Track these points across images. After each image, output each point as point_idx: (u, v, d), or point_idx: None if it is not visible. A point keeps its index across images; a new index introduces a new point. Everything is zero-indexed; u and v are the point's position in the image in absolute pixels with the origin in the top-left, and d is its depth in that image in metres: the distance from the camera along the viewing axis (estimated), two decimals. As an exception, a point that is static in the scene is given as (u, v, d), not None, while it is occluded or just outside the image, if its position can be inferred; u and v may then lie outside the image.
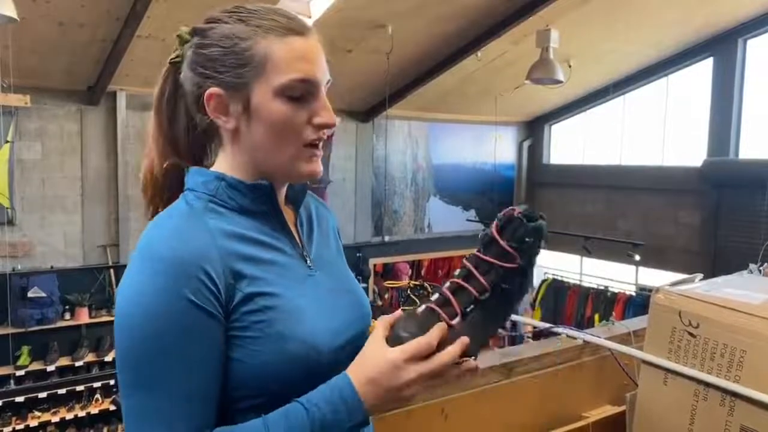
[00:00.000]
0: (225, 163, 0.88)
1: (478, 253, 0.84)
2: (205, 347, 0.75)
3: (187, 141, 0.90)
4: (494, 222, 0.84)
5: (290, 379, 0.79)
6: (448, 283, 0.84)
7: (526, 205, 0.85)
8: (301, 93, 0.82)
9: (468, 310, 0.82)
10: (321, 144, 0.86)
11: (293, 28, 0.83)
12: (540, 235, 0.83)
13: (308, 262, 0.90)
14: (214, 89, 0.83)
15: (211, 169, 0.88)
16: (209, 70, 0.83)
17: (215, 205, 0.84)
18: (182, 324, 0.74)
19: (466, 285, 0.82)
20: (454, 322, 0.81)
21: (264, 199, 0.87)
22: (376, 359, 0.78)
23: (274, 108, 0.82)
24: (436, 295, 0.83)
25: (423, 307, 0.83)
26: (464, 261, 0.85)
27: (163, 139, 0.90)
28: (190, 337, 0.74)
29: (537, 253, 0.84)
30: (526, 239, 0.82)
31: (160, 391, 0.73)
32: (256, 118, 0.83)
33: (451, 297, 0.82)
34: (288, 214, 0.92)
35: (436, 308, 0.82)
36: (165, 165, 0.90)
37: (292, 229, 0.92)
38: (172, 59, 0.89)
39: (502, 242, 0.82)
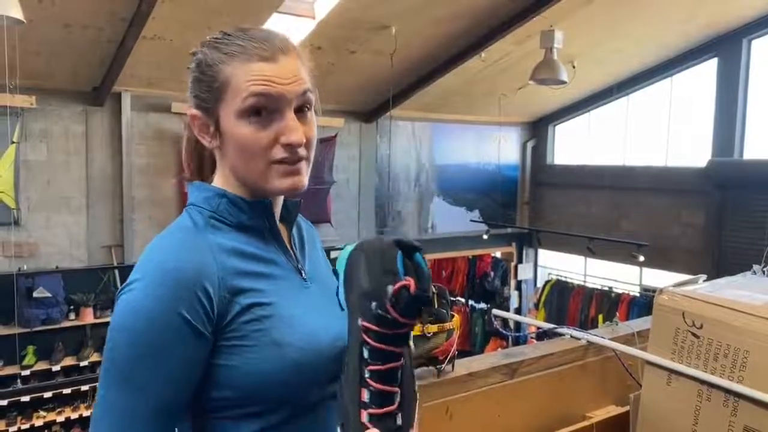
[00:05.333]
0: (221, 178, 0.92)
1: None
2: (185, 364, 0.79)
3: (210, 160, 0.96)
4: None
5: (291, 385, 0.82)
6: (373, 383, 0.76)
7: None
8: (261, 112, 0.83)
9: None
10: (299, 159, 0.86)
11: (259, 53, 0.84)
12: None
13: (303, 274, 0.94)
14: (193, 111, 0.88)
15: (213, 184, 0.92)
16: (191, 93, 0.90)
17: (215, 220, 0.88)
18: (170, 337, 0.77)
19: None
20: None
21: (262, 215, 0.90)
22: None
23: (237, 130, 0.85)
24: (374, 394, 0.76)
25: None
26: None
27: (190, 160, 0.98)
28: (173, 351, 0.77)
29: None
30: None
31: (134, 394, 0.77)
32: (225, 139, 0.87)
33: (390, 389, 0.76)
34: (282, 230, 0.95)
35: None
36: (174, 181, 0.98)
37: (287, 244, 0.95)
38: None
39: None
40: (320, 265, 1.02)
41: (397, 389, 0.77)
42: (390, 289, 0.74)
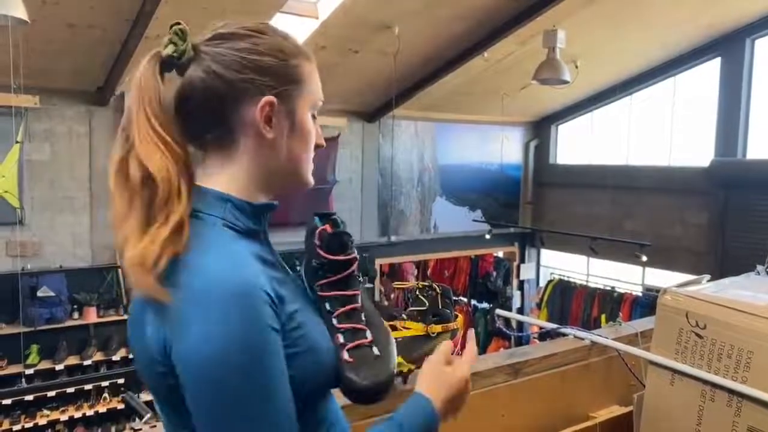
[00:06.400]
0: (233, 177, 0.84)
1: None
2: (284, 367, 0.77)
3: (191, 151, 0.85)
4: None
5: (319, 385, 0.85)
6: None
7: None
8: (317, 112, 0.91)
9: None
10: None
11: (310, 55, 0.91)
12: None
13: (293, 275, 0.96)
14: (270, 98, 0.83)
15: (209, 186, 0.83)
16: (264, 78, 0.83)
17: (226, 227, 0.81)
18: (272, 350, 0.74)
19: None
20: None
21: (263, 219, 0.88)
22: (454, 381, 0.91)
23: (309, 122, 0.89)
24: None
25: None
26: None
27: (178, 146, 0.81)
28: (277, 361, 0.75)
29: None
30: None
31: (265, 424, 0.73)
32: (298, 130, 0.88)
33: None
34: None
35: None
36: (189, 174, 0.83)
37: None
38: (172, 54, 0.86)
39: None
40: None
41: (364, 327, 0.90)
42: (315, 238, 0.92)
